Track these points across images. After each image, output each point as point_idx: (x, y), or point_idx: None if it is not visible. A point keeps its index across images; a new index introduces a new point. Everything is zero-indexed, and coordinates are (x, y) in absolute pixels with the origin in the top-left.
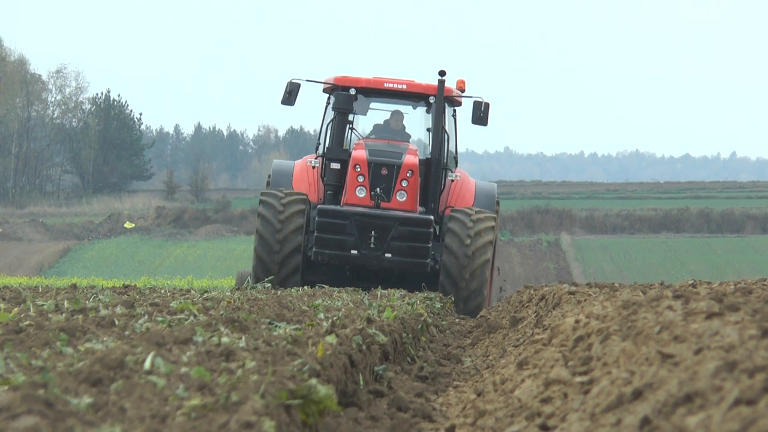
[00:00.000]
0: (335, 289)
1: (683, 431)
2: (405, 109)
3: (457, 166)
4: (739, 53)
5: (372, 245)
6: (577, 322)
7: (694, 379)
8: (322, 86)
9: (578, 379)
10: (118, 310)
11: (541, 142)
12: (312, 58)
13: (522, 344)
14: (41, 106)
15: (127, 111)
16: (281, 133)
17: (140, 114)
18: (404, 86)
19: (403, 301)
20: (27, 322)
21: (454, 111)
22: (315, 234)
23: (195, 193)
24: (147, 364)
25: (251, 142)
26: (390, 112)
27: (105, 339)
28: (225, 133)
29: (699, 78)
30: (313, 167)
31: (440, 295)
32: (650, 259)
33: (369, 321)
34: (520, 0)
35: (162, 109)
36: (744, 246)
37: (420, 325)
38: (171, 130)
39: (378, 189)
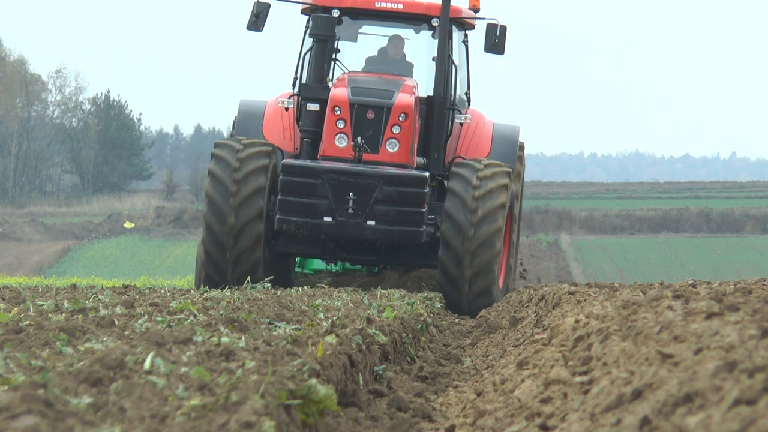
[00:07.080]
0: (335, 288)
1: (683, 431)
2: (406, 34)
3: (469, 105)
4: (739, 53)
5: (350, 210)
6: (576, 322)
7: (694, 379)
8: (299, 9)
9: (578, 379)
10: (118, 310)
11: (540, 142)
12: None
13: (522, 344)
14: (41, 106)
15: (126, 111)
16: None
17: (140, 114)
18: (400, 6)
19: (403, 301)
20: (27, 322)
21: (465, 36)
22: (278, 196)
23: (195, 193)
24: (147, 364)
25: None
26: (387, 38)
27: (105, 339)
28: (225, 134)
29: (699, 78)
30: (287, 109)
31: (440, 294)
32: (650, 259)
33: (369, 321)
34: (519, 0)
35: (162, 109)
36: (744, 246)
37: (420, 325)
38: (171, 131)
39: (359, 138)
